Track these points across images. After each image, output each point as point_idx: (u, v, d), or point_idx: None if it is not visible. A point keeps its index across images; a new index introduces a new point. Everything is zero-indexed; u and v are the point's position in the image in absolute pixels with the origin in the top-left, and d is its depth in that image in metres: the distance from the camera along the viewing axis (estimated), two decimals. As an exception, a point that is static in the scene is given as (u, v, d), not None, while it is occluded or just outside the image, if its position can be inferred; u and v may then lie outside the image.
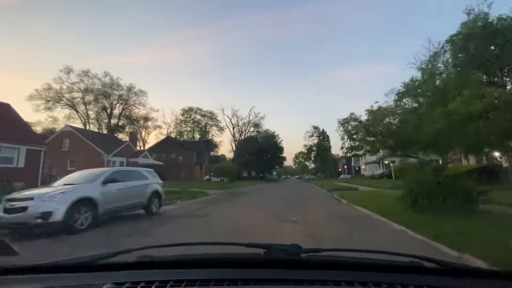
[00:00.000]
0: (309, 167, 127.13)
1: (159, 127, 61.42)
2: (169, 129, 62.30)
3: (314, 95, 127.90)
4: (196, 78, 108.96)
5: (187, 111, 62.95)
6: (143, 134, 58.40)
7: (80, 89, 38.64)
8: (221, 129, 66.20)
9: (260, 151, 63.76)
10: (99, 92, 40.37)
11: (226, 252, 1.07)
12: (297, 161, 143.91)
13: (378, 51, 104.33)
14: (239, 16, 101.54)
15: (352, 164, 68.55)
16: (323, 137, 71.22)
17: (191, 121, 63.99)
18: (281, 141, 69.31)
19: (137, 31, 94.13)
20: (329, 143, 71.30)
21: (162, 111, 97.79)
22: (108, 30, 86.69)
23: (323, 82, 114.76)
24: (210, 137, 65.74)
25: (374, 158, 45.23)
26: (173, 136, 58.66)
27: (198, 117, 64.56)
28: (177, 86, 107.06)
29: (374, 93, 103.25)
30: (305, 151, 71.91)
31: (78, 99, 38.95)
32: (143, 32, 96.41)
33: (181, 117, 63.02)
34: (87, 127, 40.19)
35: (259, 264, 0.97)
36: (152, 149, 50.10)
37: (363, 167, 59.70)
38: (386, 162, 41.76)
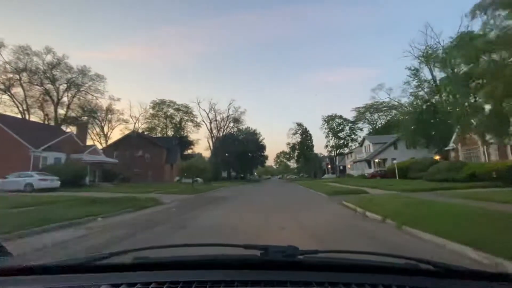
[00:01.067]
0: (291, 167, 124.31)
1: (126, 121, 54.21)
2: (137, 124, 55.22)
3: (296, 95, 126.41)
4: (170, 71, 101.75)
5: (158, 104, 56.26)
6: (105, 129, 51.04)
7: (16, 69, 31.05)
8: (198, 125, 60.23)
9: (240, 149, 58.67)
10: (41, 73, 32.91)
11: (223, 254, 1.04)
12: (278, 160, 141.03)
13: (359, 56, 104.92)
14: (221, 15, 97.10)
15: (336, 163, 65.57)
16: (305, 135, 67.38)
17: (163, 116, 57.30)
18: (262, 139, 64.77)
19: (108, 24, 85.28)
20: (311, 142, 67.61)
21: (129, 103, 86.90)
22: (74, 19, 77.43)
23: (305, 82, 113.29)
24: (185, 134, 59.56)
25: (364, 155, 41.82)
26: (143, 132, 51.80)
27: (171, 111, 58.08)
28: (149, 79, 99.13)
29: (355, 96, 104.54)
30: (288, 150, 67.76)
31: (13, 82, 31.31)
32: (114, 25, 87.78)
33: (151, 111, 56.12)
34: (28, 117, 32.70)
35: (255, 265, 0.96)
36: (114, 146, 43.21)
37: (348, 166, 56.65)
38: (376, 160, 38.47)
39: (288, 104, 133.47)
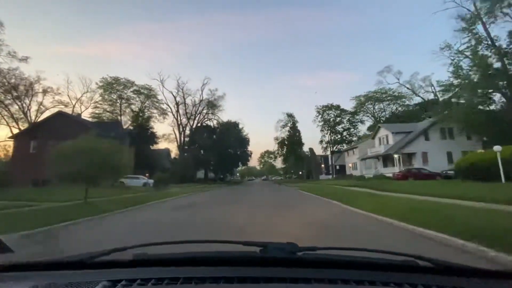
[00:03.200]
0: (276, 167, 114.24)
1: (64, 104, 40.87)
2: (79, 107, 41.97)
3: (279, 96, 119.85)
4: (150, 70, 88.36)
5: (111, 84, 43.24)
6: (31, 111, 37.48)
7: None
8: (164, 113, 47.75)
9: (218, 144, 47.09)
10: None
11: (222, 250, 1.05)
12: (262, 160, 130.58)
13: (340, 60, 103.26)
14: (204, 14, 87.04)
15: (332, 161, 55.57)
16: (294, 131, 56.73)
17: (117, 99, 44.34)
18: (246, 134, 53.20)
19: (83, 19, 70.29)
20: (300, 139, 56.91)
21: (67, 79, 56.66)
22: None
23: (287, 83, 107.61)
24: (150, 125, 47.08)
25: (380, 149, 31.53)
26: (90, 120, 38.75)
27: (129, 93, 45.26)
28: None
29: (336, 99, 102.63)
30: (276, 146, 56.39)
31: None
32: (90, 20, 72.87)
33: (101, 92, 42.99)
34: None
35: (255, 262, 0.95)
36: (30, 132, 30.16)
37: (350, 165, 46.70)
38: (396, 156, 28.39)
39: (270, 104, 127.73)
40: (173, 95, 47.11)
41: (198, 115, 47.37)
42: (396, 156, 28.04)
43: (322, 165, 62.83)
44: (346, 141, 52.61)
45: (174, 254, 1.00)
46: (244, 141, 50.83)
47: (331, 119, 54.20)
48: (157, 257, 0.98)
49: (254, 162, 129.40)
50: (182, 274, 0.84)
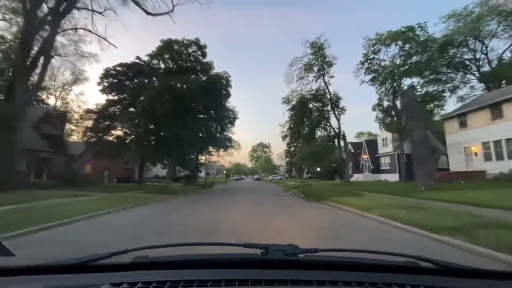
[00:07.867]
0: (273, 163, 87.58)
1: None
2: None
3: (271, 94, 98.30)
4: None
5: None
6: None
7: None
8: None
9: (166, 98, 19.27)
10: None
11: (223, 253, 1.05)
12: (255, 156, 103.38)
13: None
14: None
15: (393, 149, 28.42)
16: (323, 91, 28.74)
17: None
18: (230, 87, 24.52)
19: None
20: (338, 97, 28.87)
21: None
22: None
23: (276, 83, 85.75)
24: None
25: None
26: None
27: None
28: None
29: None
30: (288, 114, 27.48)
31: None
32: None
33: None
34: None
35: (256, 264, 0.97)
36: None
37: (475, 149, 19.65)
38: None
39: (263, 105, 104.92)
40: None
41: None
42: None
43: (364, 156, 35.92)
44: (436, 104, 25.38)
45: (175, 257, 1.00)
46: (222, 95, 22.24)
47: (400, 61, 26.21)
48: (158, 260, 0.98)
49: (244, 158, 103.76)
50: (183, 277, 0.83)
